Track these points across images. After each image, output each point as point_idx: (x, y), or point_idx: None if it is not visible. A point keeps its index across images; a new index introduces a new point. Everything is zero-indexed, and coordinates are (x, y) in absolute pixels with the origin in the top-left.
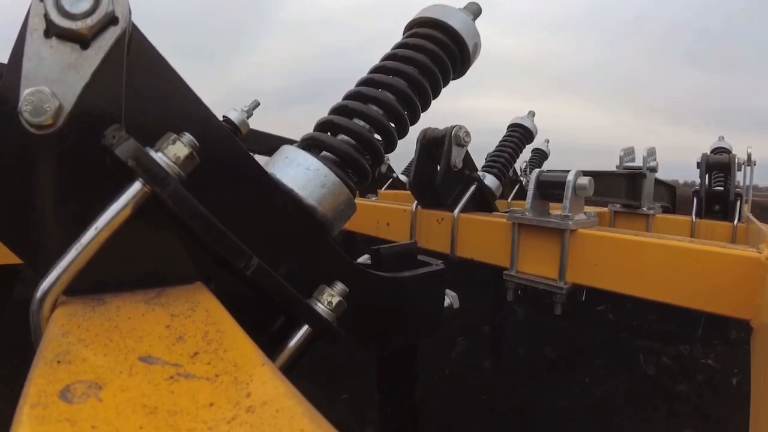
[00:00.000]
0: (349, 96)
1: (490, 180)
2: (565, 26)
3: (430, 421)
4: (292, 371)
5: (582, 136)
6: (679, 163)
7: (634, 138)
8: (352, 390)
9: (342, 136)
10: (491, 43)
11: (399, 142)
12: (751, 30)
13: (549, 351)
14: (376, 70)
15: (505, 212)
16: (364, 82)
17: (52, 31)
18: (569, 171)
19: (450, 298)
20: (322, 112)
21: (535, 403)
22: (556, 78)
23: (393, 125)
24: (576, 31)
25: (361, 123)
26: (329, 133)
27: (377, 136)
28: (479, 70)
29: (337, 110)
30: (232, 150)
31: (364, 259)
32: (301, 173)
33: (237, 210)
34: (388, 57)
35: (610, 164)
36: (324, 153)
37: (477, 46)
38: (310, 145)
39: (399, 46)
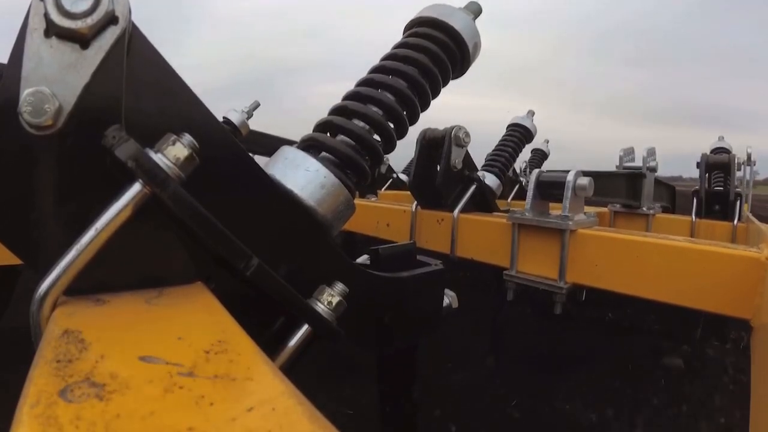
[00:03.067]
0: (349, 96)
1: (490, 179)
2: (511, 24)
3: (429, 421)
4: (292, 371)
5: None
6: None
7: (582, 132)
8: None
9: (341, 137)
10: None
11: (399, 142)
12: (694, 30)
13: (550, 350)
14: (375, 69)
15: (505, 212)
16: (363, 82)
17: (52, 30)
18: (569, 171)
19: (449, 297)
20: (266, 109)
21: (536, 403)
22: (502, 75)
23: (392, 125)
24: (521, 28)
25: (361, 124)
26: (329, 134)
27: (377, 137)
28: None
29: (336, 110)
30: (231, 151)
31: (363, 259)
32: (300, 174)
33: (237, 211)
34: (387, 56)
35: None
36: (323, 154)
37: (477, 45)
38: (309, 146)
39: (399, 45)
